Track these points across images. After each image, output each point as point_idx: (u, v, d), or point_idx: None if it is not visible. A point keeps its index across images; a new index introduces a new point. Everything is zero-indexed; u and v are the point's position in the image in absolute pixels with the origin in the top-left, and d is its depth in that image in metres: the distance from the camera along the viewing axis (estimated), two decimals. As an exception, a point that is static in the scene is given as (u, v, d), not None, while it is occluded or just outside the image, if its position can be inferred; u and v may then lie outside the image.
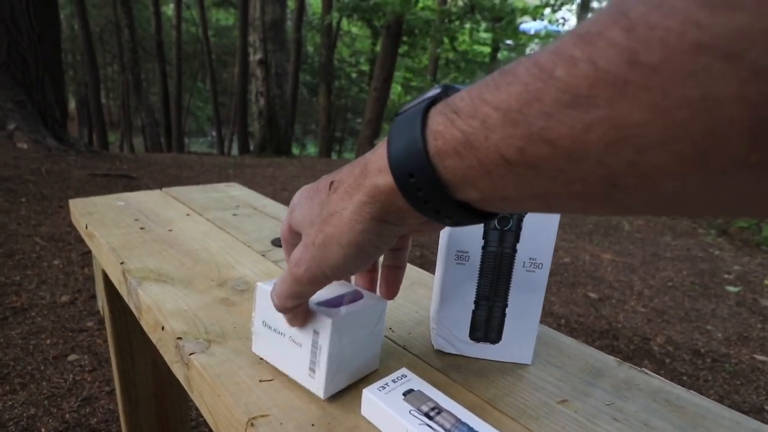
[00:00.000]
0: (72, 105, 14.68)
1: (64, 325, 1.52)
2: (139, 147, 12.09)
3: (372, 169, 0.28)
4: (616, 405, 0.44)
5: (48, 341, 1.42)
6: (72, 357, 1.37)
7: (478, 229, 0.47)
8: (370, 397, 0.40)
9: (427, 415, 0.40)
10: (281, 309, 0.38)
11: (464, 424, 0.39)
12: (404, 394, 0.41)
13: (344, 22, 13.01)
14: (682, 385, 0.53)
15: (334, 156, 13.11)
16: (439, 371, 0.47)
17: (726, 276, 2.91)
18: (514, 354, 0.50)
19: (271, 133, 8.78)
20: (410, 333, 0.54)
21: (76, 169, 3.30)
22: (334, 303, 0.43)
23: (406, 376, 0.43)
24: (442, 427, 0.39)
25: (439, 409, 0.40)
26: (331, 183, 0.32)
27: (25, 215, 2.39)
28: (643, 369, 0.50)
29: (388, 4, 5.72)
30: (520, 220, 0.46)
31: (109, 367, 1.36)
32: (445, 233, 0.48)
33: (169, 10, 13.15)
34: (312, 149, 16.44)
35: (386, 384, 0.41)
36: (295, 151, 13.24)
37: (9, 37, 3.69)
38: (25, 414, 1.13)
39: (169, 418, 1.00)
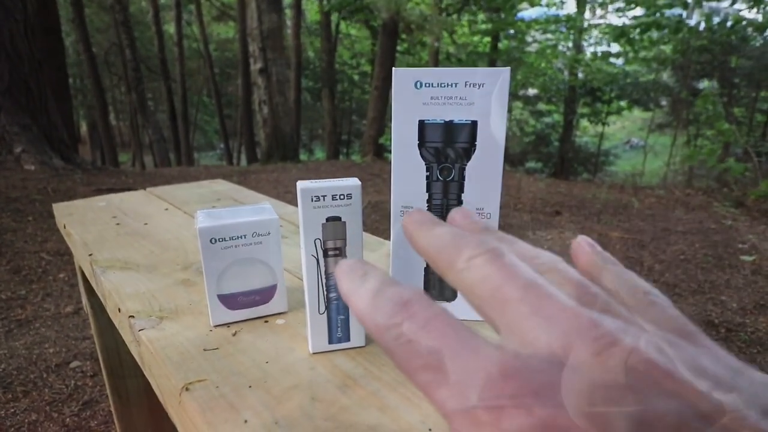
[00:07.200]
0: (84, 128, 14.92)
1: (67, 334, 1.54)
2: (150, 165, 12.26)
3: None
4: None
5: (51, 350, 1.44)
6: (74, 364, 1.39)
7: (421, 182, 0.45)
8: (304, 189, 0.37)
9: (326, 252, 0.38)
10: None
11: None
12: (328, 219, 0.37)
13: (343, 24, 13.02)
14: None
15: (342, 158, 13.13)
16: (393, 332, 0.46)
17: (740, 246, 2.84)
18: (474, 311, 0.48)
19: (277, 140, 8.81)
20: (369, 299, 0.53)
21: (81, 186, 3.35)
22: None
23: (351, 196, 0.38)
24: (325, 268, 0.37)
25: (340, 252, 0.38)
26: None
27: (32, 233, 2.44)
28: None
29: (380, 3, 5.73)
30: (462, 169, 0.45)
31: (114, 373, 1.37)
32: (391, 190, 0.46)
33: (170, 28, 13.31)
34: (320, 154, 16.47)
35: (326, 195, 0.37)
36: (304, 157, 13.27)
37: (10, 64, 3.77)
38: (26, 420, 1.15)
39: (163, 416, 0.99)
